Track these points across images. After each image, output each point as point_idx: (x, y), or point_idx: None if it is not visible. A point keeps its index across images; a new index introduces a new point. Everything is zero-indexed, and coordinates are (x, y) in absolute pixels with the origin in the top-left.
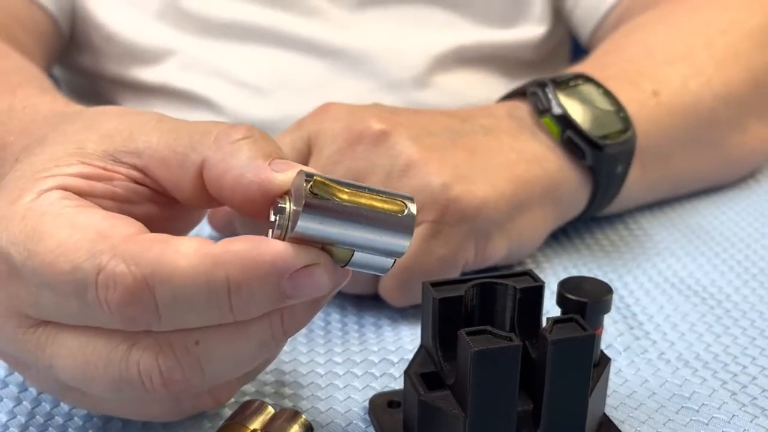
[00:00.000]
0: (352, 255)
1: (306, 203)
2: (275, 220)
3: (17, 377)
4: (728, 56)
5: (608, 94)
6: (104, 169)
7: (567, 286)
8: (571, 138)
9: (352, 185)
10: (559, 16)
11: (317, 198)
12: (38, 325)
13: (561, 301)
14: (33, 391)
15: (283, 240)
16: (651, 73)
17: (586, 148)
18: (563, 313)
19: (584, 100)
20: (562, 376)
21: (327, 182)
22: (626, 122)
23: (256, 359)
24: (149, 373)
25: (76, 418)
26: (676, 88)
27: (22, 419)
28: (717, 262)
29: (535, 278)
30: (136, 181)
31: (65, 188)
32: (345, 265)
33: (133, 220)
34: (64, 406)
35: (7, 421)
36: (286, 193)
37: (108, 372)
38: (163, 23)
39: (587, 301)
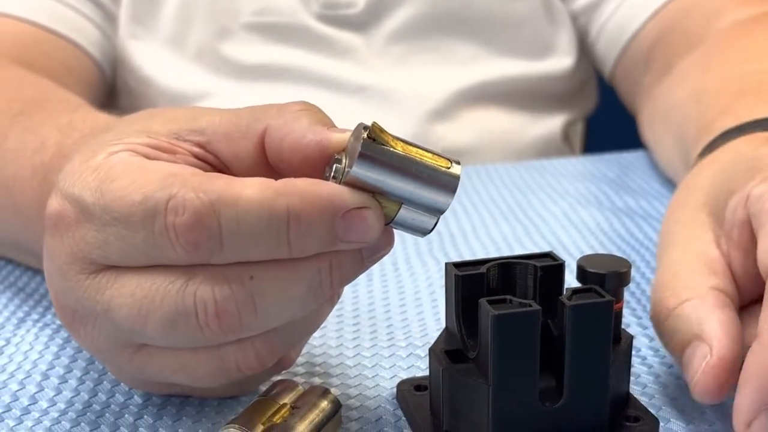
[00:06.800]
0: (399, 209)
1: (363, 147)
2: (330, 173)
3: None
4: None
5: None
6: (169, 143)
7: (586, 261)
8: None
9: (405, 140)
10: (583, 48)
11: (374, 143)
12: (100, 270)
13: (580, 274)
14: (72, 383)
15: None
16: None
17: None
18: None
19: None
20: (582, 344)
21: (383, 131)
22: None
23: (304, 306)
24: (204, 302)
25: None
26: None
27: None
28: None
29: (556, 258)
30: (197, 157)
31: (134, 151)
32: (390, 222)
33: (197, 169)
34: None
35: (66, 408)
36: (342, 151)
37: (164, 304)
38: (200, 66)
39: (606, 273)
